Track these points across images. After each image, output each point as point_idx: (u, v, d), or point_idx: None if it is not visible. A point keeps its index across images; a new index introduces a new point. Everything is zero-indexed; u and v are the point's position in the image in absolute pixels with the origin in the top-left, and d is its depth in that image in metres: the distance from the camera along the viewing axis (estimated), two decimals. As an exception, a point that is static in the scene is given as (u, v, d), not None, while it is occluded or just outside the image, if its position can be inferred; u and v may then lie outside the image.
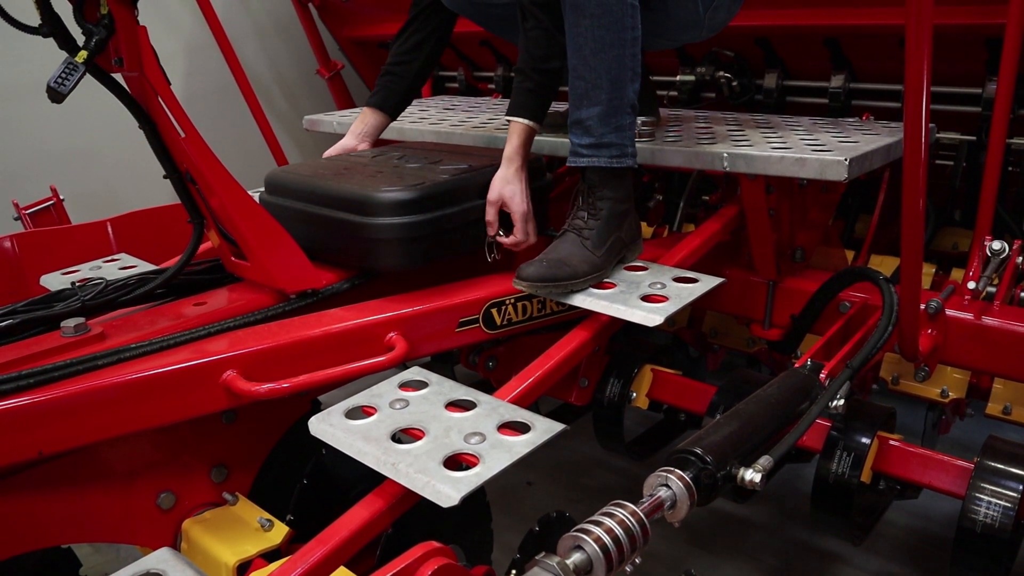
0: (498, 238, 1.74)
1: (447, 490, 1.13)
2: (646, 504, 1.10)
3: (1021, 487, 1.47)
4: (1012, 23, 1.76)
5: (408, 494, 1.21)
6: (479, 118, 2.56)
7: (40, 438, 1.25)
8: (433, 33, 2.10)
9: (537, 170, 1.93)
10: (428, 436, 1.26)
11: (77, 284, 1.63)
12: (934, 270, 2.42)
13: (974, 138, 2.34)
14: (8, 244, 2.14)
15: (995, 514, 1.45)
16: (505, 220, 1.74)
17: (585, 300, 1.63)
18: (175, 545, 1.51)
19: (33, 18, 1.39)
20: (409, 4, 2.11)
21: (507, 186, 1.70)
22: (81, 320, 1.44)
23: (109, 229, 2.32)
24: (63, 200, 2.52)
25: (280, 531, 1.43)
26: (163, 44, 1.49)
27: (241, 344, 1.43)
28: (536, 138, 2.07)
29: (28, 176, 2.91)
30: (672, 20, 1.82)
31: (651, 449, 2.16)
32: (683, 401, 1.99)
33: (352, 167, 1.88)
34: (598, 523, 1.02)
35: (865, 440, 1.63)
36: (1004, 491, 1.47)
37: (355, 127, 2.13)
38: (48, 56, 1.43)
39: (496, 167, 1.75)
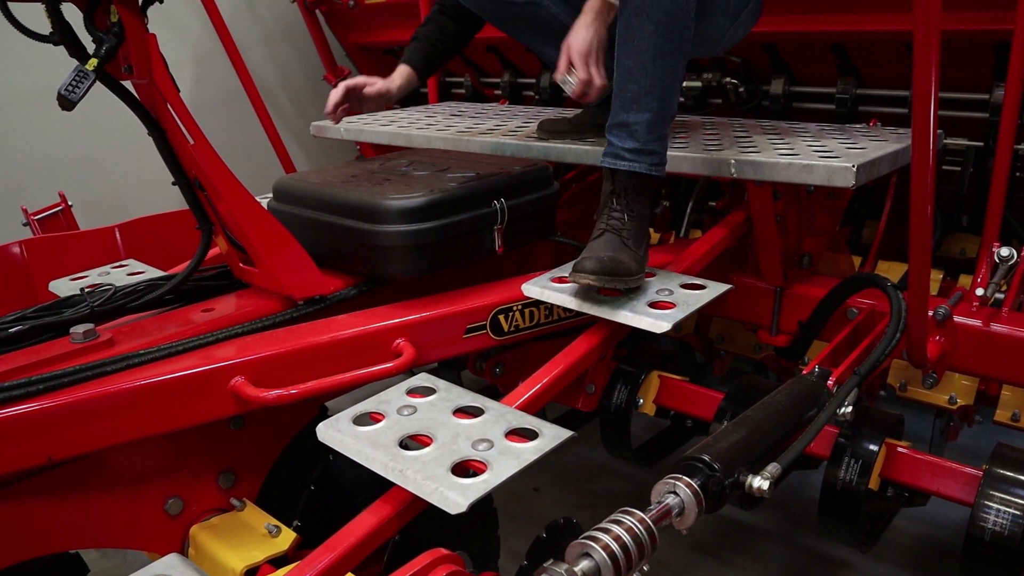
0: (556, 78, 1.70)
1: (455, 497, 1.13)
2: (654, 511, 1.10)
3: (1031, 494, 1.46)
4: (1020, 29, 1.76)
5: (416, 501, 1.21)
6: (486, 124, 2.56)
7: (49, 443, 1.26)
8: (458, 30, 2.16)
9: (544, 178, 1.94)
10: (436, 442, 1.26)
11: (86, 290, 1.64)
12: (942, 276, 2.41)
13: (981, 144, 2.34)
14: (17, 250, 2.15)
15: (1004, 522, 1.44)
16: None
17: (592, 306, 1.63)
18: (183, 551, 1.51)
19: (44, 26, 1.40)
20: (415, 10, 2.12)
21: (572, 31, 1.69)
22: (90, 326, 1.44)
23: (117, 235, 2.33)
24: (71, 206, 2.53)
25: (288, 537, 1.43)
26: (172, 51, 1.50)
27: (249, 350, 1.43)
28: (544, 144, 2.08)
29: (37, 182, 2.92)
30: (699, 35, 1.81)
31: (658, 455, 2.16)
32: (690, 407, 1.99)
33: (360, 175, 1.89)
34: (606, 530, 1.02)
35: (873, 447, 1.63)
36: (1013, 499, 1.46)
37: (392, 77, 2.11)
38: (58, 64, 1.44)
39: (504, 174, 1.75)
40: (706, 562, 2.24)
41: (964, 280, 2.37)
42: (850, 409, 1.46)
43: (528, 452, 1.24)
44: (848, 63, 2.45)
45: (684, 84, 2.74)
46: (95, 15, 1.42)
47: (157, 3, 1.45)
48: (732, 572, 2.21)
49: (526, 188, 1.88)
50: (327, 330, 1.52)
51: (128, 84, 1.51)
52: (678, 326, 1.55)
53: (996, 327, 1.71)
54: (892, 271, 2.43)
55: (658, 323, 1.53)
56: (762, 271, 2.01)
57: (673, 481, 1.14)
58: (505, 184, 1.79)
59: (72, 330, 1.43)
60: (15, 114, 2.90)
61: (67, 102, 1.38)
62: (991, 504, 1.47)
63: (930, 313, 1.67)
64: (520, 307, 1.72)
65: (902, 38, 2.20)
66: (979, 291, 1.77)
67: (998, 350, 1.71)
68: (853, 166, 1.62)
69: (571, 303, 1.64)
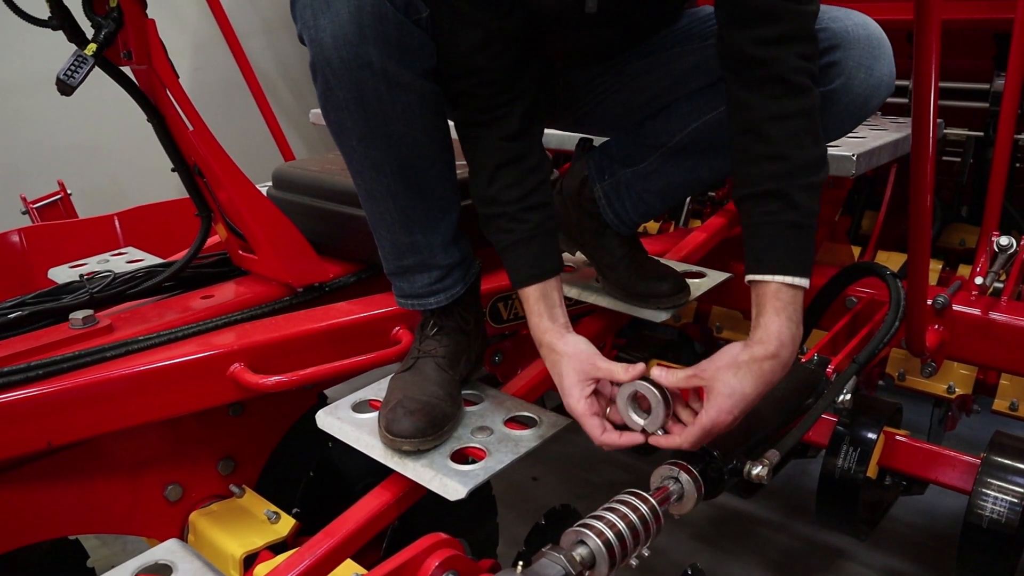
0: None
1: (454, 484, 1.13)
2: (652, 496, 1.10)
3: (1028, 483, 1.47)
4: (1020, 18, 1.75)
5: (415, 487, 1.21)
6: (485, 113, 2.55)
7: (48, 429, 1.26)
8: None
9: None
10: (435, 429, 1.26)
11: (85, 277, 1.63)
12: (941, 266, 2.41)
13: (981, 134, 2.34)
14: (16, 238, 2.14)
15: (1002, 509, 1.45)
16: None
17: (591, 295, 1.63)
18: (182, 537, 1.51)
19: (42, 11, 1.39)
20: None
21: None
22: (89, 312, 1.44)
23: (116, 223, 2.32)
24: (71, 194, 2.52)
25: (287, 523, 1.43)
26: (171, 38, 1.49)
27: (248, 337, 1.43)
28: (544, 132, 2.07)
29: (36, 171, 2.91)
30: None
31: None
32: (689, 396, 1.99)
33: (359, 161, 1.88)
34: (603, 516, 1.02)
35: (871, 435, 1.63)
36: (1011, 487, 1.47)
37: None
38: (57, 50, 1.44)
39: None
40: (704, 550, 2.25)
41: (964, 271, 2.37)
42: (848, 397, 1.47)
43: (527, 439, 1.25)
44: (849, 52, 2.44)
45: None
46: (94, 0, 1.41)
47: (156, -10, 1.44)
48: (730, 560, 2.21)
49: (526, 176, 1.86)
50: (326, 317, 1.52)
51: (127, 70, 1.50)
52: (677, 315, 1.55)
53: (995, 316, 1.71)
54: (892, 261, 2.42)
55: (657, 312, 1.53)
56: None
57: (673, 467, 1.14)
58: (505, 172, 1.78)
59: (71, 316, 1.43)
60: (14, 102, 2.89)
61: (66, 87, 1.38)
62: (989, 492, 1.48)
63: (929, 302, 1.67)
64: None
65: (902, 27, 2.20)
66: (978, 280, 1.78)
67: (997, 339, 1.71)
68: (853, 155, 1.62)
69: (569, 292, 1.64)
